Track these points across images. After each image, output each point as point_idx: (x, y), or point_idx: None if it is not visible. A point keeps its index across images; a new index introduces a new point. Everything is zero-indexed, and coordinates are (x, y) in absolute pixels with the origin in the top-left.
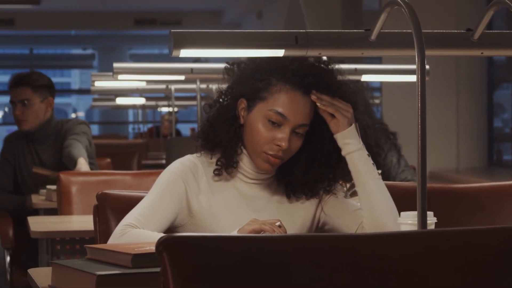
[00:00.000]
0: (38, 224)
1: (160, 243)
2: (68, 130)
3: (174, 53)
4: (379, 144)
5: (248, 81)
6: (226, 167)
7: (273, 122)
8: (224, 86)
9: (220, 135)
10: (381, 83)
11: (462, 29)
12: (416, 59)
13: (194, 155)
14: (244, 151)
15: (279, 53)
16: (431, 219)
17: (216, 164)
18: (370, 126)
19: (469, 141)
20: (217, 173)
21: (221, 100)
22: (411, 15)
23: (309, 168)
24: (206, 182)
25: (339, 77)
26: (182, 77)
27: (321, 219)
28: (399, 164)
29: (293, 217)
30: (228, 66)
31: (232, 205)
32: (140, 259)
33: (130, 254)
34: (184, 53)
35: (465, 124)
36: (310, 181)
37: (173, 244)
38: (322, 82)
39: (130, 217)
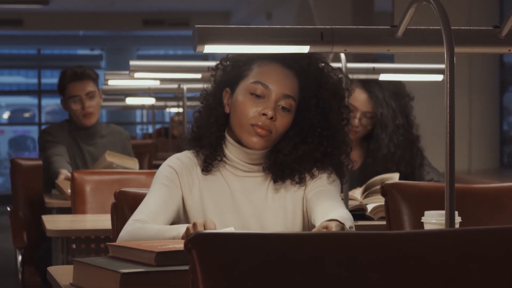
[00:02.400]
0: (53, 223)
1: (189, 241)
2: (130, 147)
3: (198, 49)
4: (423, 154)
5: (230, 71)
6: (212, 159)
7: (257, 95)
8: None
9: (203, 128)
10: None
11: (474, 27)
12: (445, 55)
13: (191, 151)
14: (230, 139)
15: (304, 49)
16: (456, 219)
17: (205, 162)
18: (419, 139)
19: (481, 143)
20: (205, 169)
21: (206, 99)
22: (440, 11)
23: (298, 146)
24: (199, 177)
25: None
26: (198, 75)
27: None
28: (423, 166)
29: (283, 211)
30: (211, 75)
31: (221, 202)
32: (164, 257)
33: (154, 252)
34: (209, 48)
35: (477, 126)
36: (297, 159)
37: (203, 242)
38: (304, 59)
39: (138, 214)
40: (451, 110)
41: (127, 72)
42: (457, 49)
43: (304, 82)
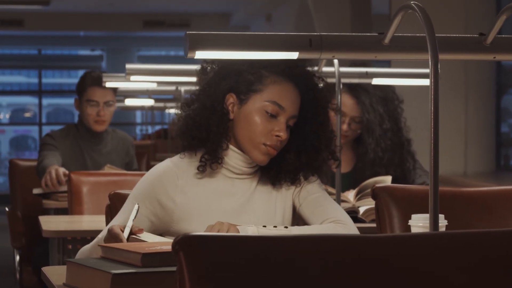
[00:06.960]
0: (50, 223)
1: (177, 243)
2: (132, 153)
3: (190, 55)
4: (414, 158)
5: (235, 75)
6: (211, 162)
7: (271, 115)
8: (202, 84)
9: (206, 131)
10: None
11: (470, 34)
12: (430, 63)
13: (176, 157)
14: (231, 146)
15: (293, 55)
16: (442, 222)
17: (200, 161)
18: (410, 142)
19: (477, 145)
20: (201, 169)
21: (203, 97)
22: (425, 19)
23: (301, 153)
24: (186, 182)
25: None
26: (193, 79)
27: (296, 207)
28: (415, 170)
29: (272, 211)
30: (205, 64)
31: (212, 204)
32: (150, 258)
33: (140, 253)
34: (199, 54)
35: (473, 128)
36: (302, 165)
37: (189, 243)
38: (307, 73)
39: (103, 231)
40: (435, 115)
41: (123, 74)
42: (442, 56)
43: (305, 99)
